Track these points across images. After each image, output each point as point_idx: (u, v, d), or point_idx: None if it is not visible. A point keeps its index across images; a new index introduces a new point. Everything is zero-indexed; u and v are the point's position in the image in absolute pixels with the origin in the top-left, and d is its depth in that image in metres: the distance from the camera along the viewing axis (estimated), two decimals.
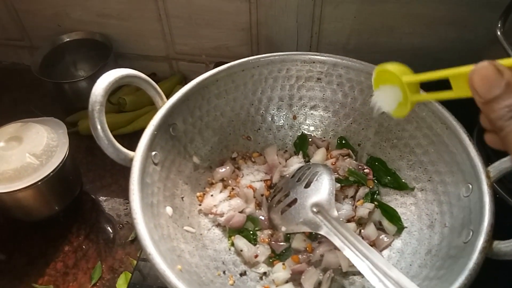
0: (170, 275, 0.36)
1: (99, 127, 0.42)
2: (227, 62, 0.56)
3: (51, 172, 0.58)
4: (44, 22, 0.83)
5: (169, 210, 0.47)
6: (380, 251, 0.49)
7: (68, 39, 0.83)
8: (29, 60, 0.82)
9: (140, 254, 0.58)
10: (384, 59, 0.74)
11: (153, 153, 0.46)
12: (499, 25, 0.52)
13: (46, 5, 0.80)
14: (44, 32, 0.84)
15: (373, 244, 0.49)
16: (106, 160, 0.73)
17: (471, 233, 0.39)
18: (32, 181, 0.57)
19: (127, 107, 0.79)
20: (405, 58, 0.73)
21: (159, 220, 0.43)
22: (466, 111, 0.65)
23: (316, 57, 0.56)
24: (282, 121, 0.60)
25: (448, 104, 0.50)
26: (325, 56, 0.56)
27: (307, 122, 0.60)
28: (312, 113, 0.60)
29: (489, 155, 0.59)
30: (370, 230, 0.50)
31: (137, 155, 0.44)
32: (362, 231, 0.50)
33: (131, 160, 0.44)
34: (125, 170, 0.44)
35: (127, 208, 0.68)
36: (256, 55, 0.56)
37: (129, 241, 0.64)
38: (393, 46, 0.74)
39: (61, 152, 0.60)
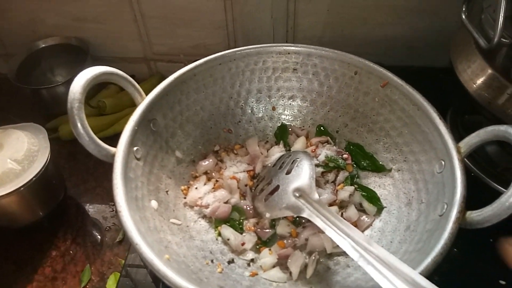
0: (158, 263, 0.37)
1: (79, 124, 0.43)
2: None
3: (34, 177, 0.58)
4: (18, 29, 0.82)
5: (154, 203, 0.47)
6: (362, 231, 0.50)
7: (44, 45, 0.82)
8: (5, 68, 0.81)
9: (127, 254, 0.59)
10: (359, 50, 0.77)
11: (135, 148, 0.47)
12: (463, 9, 0.54)
13: (20, 12, 0.80)
14: (19, 39, 0.83)
15: (355, 225, 0.51)
16: (89, 163, 0.74)
17: (445, 206, 0.41)
18: (14, 187, 0.56)
19: (107, 110, 0.79)
20: (379, 48, 0.76)
21: (145, 213, 0.44)
22: (441, 92, 0.68)
23: (290, 48, 0.58)
24: (262, 113, 0.62)
25: (423, 86, 0.53)
26: (299, 47, 0.57)
27: (286, 112, 0.62)
28: (290, 103, 0.61)
29: (462, 135, 0.62)
30: (351, 212, 0.51)
31: (119, 150, 0.44)
32: (344, 213, 0.52)
33: (113, 156, 0.44)
34: (108, 173, 0.45)
35: (112, 210, 0.68)
36: None
37: (116, 242, 0.64)
38: (367, 37, 0.76)
39: (42, 157, 0.60)
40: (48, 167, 0.60)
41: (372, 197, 0.52)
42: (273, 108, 0.62)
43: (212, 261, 0.48)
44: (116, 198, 0.41)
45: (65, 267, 0.61)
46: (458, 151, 0.44)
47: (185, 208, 0.53)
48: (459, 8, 0.54)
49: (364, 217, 0.51)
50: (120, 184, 0.42)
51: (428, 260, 0.37)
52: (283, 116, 0.62)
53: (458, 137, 0.62)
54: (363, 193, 0.53)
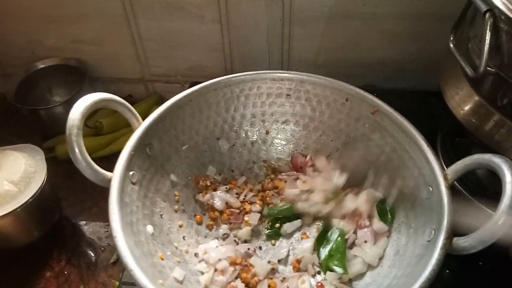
0: None
1: (77, 150, 0.44)
2: (202, 82, 0.58)
3: (30, 198, 0.58)
4: (17, 50, 0.84)
5: (149, 228, 0.48)
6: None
7: (42, 66, 0.83)
8: (3, 88, 0.83)
9: (122, 275, 0.59)
10: (352, 73, 0.79)
11: (131, 172, 0.48)
12: (451, 38, 0.56)
13: (20, 33, 0.81)
14: (18, 60, 0.84)
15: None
16: (86, 183, 0.73)
17: (433, 232, 0.42)
18: (10, 208, 0.57)
19: (104, 130, 0.80)
20: (371, 70, 0.78)
21: (140, 238, 0.45)
22: (432, 115, 0.69)
23: (284, 74, 0.59)
24: (256, 137, 0.63)
25: (414, 108, 0.54)
26: (293, 74, 0.59)
27: (279, 136, 0.63)
28: (284, 128, 0.63)
29: (452, 158, 0.63)
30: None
31: (115, 176, 0.45)
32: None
33: (109, 180, 0.45)
34: (105, 192, 0.46)
35: (108, 231, 0.69)
36: (230, 73, 0.59)
37: (111, 263, 0.65)
38: (360, 60, 0.78)
39: (39, 178, 0.61)
40: (45, 188, 0.61)
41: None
42: (267, 132, 0.63)
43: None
44: (112, 224, 0.42)
45: None
46: (445, 178, 0.45)
47: (179, 232, 0.53)
48: (446, 34, 0.56)
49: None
50: (115, 210, 0.42)
51: (416, 286, 0.38)
52: (276, 140, 0.63)
53: (448, 159, 0.64)
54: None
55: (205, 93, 0.58)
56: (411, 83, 0.79)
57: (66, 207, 0.71)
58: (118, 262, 0.64)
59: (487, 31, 0.46)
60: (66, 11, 0.77)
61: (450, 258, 0.40)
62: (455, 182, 0.48)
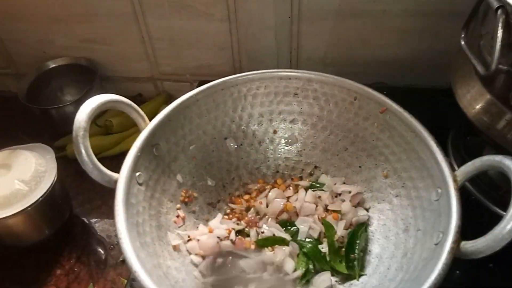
0: None
1: (83, 151, 0.44)
2: (211, 80, 0.58)
3: (40, 197, 0.59)
4: (29, 50, 0.85)
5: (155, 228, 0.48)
6: None
7: (53, 65, 0.84)
8: (16, 87, 0.84)
9: (130, 273, 0.59)
10: (362, 70, 0.78)
11: (137, 173, 0.48)
12: (462, 35, 0.55)
13: (31, 33, 0.82)
14: (30, 59, 0.86)
15: None
16: (95, 182, 0.74)
17: (441, 235, 0.42)
18: (21, 207, 0.58)
19: (114, 129, 0.80)
20: (381, 69, 0.77)
21: (145, 239, 0.45)
22: (443, 114, 0.68)
23: (291, 73, 0.59)
24: (264, 136, 0.63)
25: (425, 107, 0.53)
26: (300, 72, 0.58)
27: (287, 135, 0.63)
28: (291, 127, 0.62)
29: (464, 157, 0.62)
30: None
31: (121, 177, 0.45)
32: None
33: (115, 182, 0.46)
34: (114, 191, 0.46)
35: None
36: (239, 72, 0.59)
37: (120, 261, 0.65)
38: (369, 58, 0.76)
39: (49, 177, 0.61)
40: (55, 187, 0.62)
41: None
42: (275, 131, 0.63)
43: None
44: (117, 225, 0.42)
45: (69, 286, 0.62)
46: (454, 180, 0.44)
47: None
48: (459, 31, 0.55)
49: None
50: (121, 211, 0.43)
51: None
52: (283, 140, 0.63)
53: (460, 158, 0.62)
54: None
55: (213, 93, 0.58)
56: (422, 80, 0.77)
57: (76, 205, 0.72)
58: None
59: (499, 28, 0.44)
60: (76, 10, 0.77)
61: (461, 259, 0.39)
62: (465, 182, 0.47)
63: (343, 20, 0.71)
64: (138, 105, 0.53)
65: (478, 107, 0.52)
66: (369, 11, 0.69)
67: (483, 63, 0.49)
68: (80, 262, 0.65)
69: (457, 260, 0.39)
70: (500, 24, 0.44)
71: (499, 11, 0.44)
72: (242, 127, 0.62)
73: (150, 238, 0.46)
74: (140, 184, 0.48)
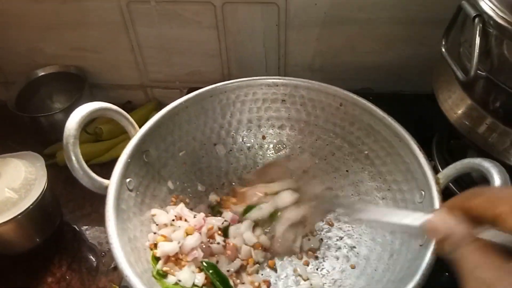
0: None
1: (74, 158, 0.45)
2: (201, 87, 0.59)
3: (31, 205, 0.59)
4: (18, 58, 0.85)
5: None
6: None
7: (43, 73, 0.84)
8: (5, 95, 0.84)
9: (122, 280, 0.60)
10: (349, 76, 0.80)
11: (128, 180, 0.49)
12: (443, 43, 0.57)
13: (20, 42, 0.83)
14: (19, 68, 0.86)
15: None
16: (85, 189, 0.74)
17: (425, 236, 0.43)
18: (11, 215, 0.58)
19: (104, 136, 0.81)
20: (367, 75, 0.79)
21: (136, 244, 0.46)
22: (427, 118, 0.69)
23: (279, 80, 0.60)
24: (252, 142, 0.64)
25: (410, 111, 0.54)
26: (287, 79, 0.60)
27: (275, 141, 0.64)
28: (279, 132, 0.64)
29: (447, 160, 0.64)
30: None
31: (112, 183, 0.46)
32: None
33: (106, 188, 0.46)
34: (104, 198, 0.46)
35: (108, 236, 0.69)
36: (228, 78, 0.60)
37: (112, 268, 0.65)
38: (356, 64, 0.78)
39: (39, 185, 0.61)
40: (45, 195, 0.62)
41: None
42: (263, 137, 0.64)
43: None
44: (108, 230, 0.42)
45: None
46: (437, 182, 0.45)
47: None
48: (439, 37, 0.56)
49: None
50: (112, 217, 0.43)
51: None
52: (271, 145, 0.64)
53: (444, 161, 0.64)
54: None
55: (201, 100, 0.59)
56: (407, 86, 0.79)
57: (66, 213, 0.72)
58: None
59: (477, 36, 0.46)
60: (65, 19, 0.78)
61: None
62: (450, 184, 0.48)
63: (329, 27, 0.73)
64: (128, 112, 0.54)
65: (459, 111, 0.53)
66: (355, 19, 0.71)
67: (463, 69, 0.51)
68: (71, 270, 0.65)
69: (445, 262, 0.40)
70: (477, 32, 0.46)
71: (476, 20, 0.46)
72: (231, 133, 0.63)
73: (140, 244, 0.47)
74: (131, 190, 0.49)
